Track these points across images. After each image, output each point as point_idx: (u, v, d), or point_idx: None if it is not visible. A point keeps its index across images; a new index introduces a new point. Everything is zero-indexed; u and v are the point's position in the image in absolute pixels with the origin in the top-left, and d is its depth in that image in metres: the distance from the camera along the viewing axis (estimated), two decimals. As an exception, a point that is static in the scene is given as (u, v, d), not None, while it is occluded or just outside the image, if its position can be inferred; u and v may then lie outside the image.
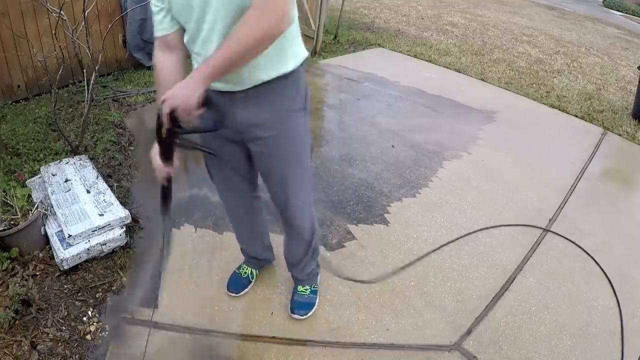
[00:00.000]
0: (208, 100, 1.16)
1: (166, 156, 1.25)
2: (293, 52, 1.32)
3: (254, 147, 1.47)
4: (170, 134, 1.19)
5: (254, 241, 1.98)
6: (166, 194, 1.37)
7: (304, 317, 1.89)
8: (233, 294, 1.98)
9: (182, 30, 1.29)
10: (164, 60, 1.32)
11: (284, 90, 1.35)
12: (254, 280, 2.03)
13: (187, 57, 1.36)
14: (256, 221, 1.89)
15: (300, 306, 1.90)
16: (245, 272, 2.03)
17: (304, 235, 1.72)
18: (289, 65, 1.31)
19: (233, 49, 1.10)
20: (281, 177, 1.52)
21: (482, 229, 2.52)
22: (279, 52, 1.26)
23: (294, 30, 1.31)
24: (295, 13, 1.27)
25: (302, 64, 1.37)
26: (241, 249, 2.02)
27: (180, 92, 1.11)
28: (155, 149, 1.25)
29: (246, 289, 2.00)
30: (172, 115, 1.13)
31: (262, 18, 1.08)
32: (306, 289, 1.93)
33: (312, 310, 1.92)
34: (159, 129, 1.18)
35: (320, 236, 1.85)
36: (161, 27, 1.29)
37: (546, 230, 2.56)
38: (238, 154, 1.54)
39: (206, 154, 1.56)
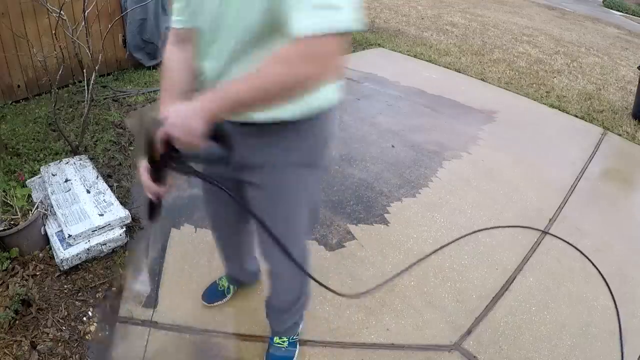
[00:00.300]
0: (217, 132, 0.96)
1: (157, 178, 1.07)
2: (314, 94, 1.04)
3: (247, 189, 1.27)
4: (164, 159, 1.00)
5: (235, 262, 1.84)
6: (154, 209, 1.18)
7: None
8: (205, 304, 1.92)
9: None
10: (174, 57, 1.13)
11: (289, 137, 1.12)
12: (229, 295, 1.95)
13: None
14: (241, 244, 1.72)
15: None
16: (222, 285, 1.96)
17: (287, 297, 1.56)
18: (303, 109, 1.07)
19: (255, 85, 0.86)
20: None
21: (481, 230, 2.52)
22: None
23: None
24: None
25: (326, 113, 1.13)
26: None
27: (180, 121, 0.90)
28: (145, 167, 1.06)
29: (220, 302, 1.93)
30: (168, 141, 0.95)
31: (305, 58, 0.82)
32: (284, 341, 1.70)
33: None
34: (151, 150, 0.98)
35: (309, 299, 1.65)
36: (178, 18, 1.10)
37: (545, 233, 2.56)
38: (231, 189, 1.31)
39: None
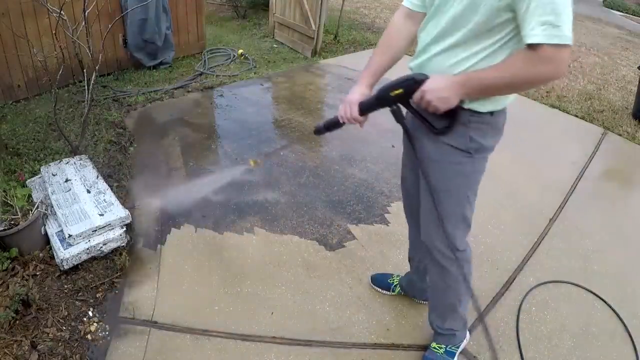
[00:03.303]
0: (454, 111, 1.22)
1: (366, 110, 1.35)
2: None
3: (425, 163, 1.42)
4: (398, 100, 1.28)
5: (412, 251, 1.88)
6: (332, 127, 1.49)
7: None
8: (371, 283, 2.07)
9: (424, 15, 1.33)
10: (401, 26, 1.40)
11: (482, 127, 1.30)
12: (394, 293, 2.02)
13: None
14: (416, 239, 1.71)
15: None
16: (393, 280, 2.03)
17: (438, 294, 1.63)
18: (498, 104, 1.26)
19: (501, 75, 1.11)
20: (423, 202, 1.50)
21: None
22: None
23: None
24: None
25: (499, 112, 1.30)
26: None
27: (439, 89, 1.17)
28: (356, 97, 1.37)
29: (383, 291, 2.05)
30: (416, 94, 1.21)
31: (542, 61, 1.05)
32: (440, 347, 1.72)
33: None
34: (395, 89, 1.25)
35: (459, 293, 1.61)
36: (414, 2, 1.36)
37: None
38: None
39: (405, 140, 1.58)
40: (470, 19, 1.15)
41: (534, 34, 1.03)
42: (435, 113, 1.22)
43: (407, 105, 1.30)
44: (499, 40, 1.16)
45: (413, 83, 1.22)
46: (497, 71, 1.12)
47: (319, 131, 1.54)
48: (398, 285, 2.02)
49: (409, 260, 1.93)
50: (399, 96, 1.26)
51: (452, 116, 1.25)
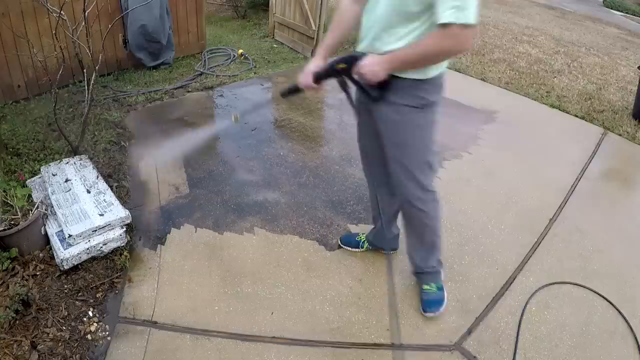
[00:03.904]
0: (385, 82, 1.53)
1: (319, 78, 1.65)
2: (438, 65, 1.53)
3: (377, 121, 1.70)
4: (342, 72, 1.60)
5: (375, 210, 2.17)
6: (293, 92, 1.77)
7: (437, 314, 1.95)
8: (340, 243, 2.30)
9: None
10: (349, 8, 1.68)
11: (418, 88, 1.56)
12: (362, 249, 2.26)
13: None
14: (379, 194, 1.96)
15: (430, 304, 1.97)
16: (360, 238, 2.27)
17: (416, 230, 1.90)
18: (430, 73, 1.52)
19: (417, 52, 1.42)
20: (392, 160, 1.72)
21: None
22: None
23: None
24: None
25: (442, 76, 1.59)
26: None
27: (371, 65, 1.49)
28: (312, 67, 1.67)
29: (352, 249, 2.27)
30: (356, 68, 1.53)
31: (449, 38, 1.33)
32: (432, 286, 1.98)
33: (443, 307, 1.97)
34: (339, 63, 1.58)
35: (437, 230, 1.90)
36: None
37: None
38: (371, 125, 1.74)
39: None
40: (400, 7, 1.42)
41: (444, 15, 1.30)
42: (370, 84, 1.54)
43: (350, 77, 1.61)
44: (419, 27, 1.43)
45: (352, 59, 1.54)
46: (413, 48, 1.42)
47: (284, 94, 1.82)
48: (366, 241, 2.25)
49: (374, 220, 2.21)
50: (343, 69, 1.58)
51: (384, 87, 1.55)
